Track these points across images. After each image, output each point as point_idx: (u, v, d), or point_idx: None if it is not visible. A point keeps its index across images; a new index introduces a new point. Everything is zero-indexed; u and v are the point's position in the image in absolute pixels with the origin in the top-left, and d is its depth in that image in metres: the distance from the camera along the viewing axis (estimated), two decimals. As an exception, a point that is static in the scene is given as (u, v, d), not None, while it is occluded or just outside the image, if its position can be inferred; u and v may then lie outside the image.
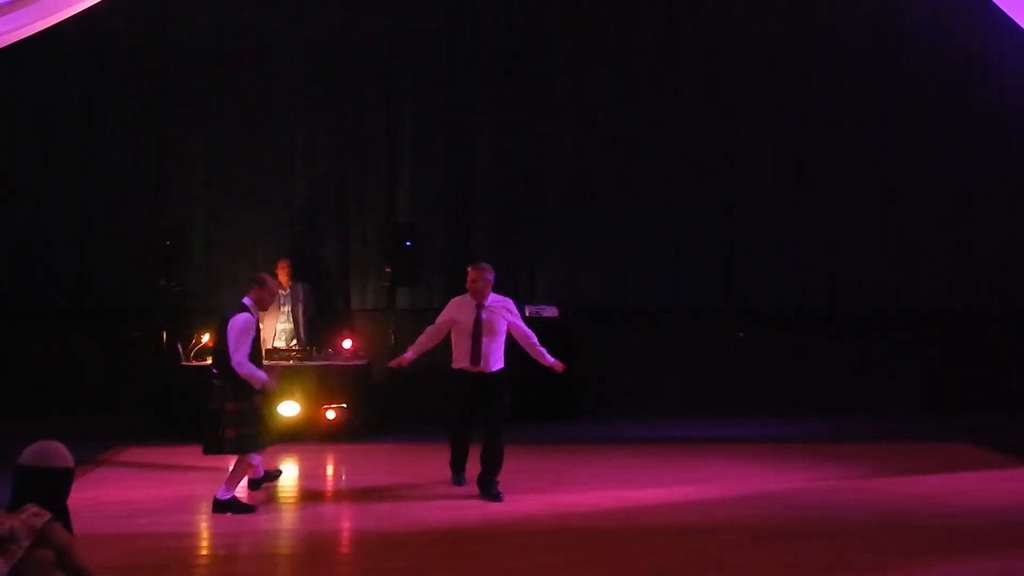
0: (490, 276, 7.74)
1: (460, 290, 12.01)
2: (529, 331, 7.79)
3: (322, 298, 11.41)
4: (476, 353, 7.56)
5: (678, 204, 12.05)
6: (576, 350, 11.47)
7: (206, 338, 10.28)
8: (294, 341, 10.79)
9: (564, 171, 12.11)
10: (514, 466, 8.29)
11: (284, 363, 9.77)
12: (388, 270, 11.29)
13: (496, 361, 7.69)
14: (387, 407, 10.90)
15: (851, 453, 9.42)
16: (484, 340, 7.61)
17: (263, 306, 7.20)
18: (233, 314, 7.03)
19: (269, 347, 10.50)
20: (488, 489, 7.55)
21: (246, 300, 7.13)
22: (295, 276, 10.99)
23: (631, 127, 12.04)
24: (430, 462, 8.93)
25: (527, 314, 11.39)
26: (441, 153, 12.05)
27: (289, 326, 10.86)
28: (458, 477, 7.92)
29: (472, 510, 7.24)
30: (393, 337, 11.08)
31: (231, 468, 7.31)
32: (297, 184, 11.96)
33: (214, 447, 7.13)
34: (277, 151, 11.89)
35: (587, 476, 8.43)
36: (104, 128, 11.66)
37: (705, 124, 11.97)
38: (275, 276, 10.85)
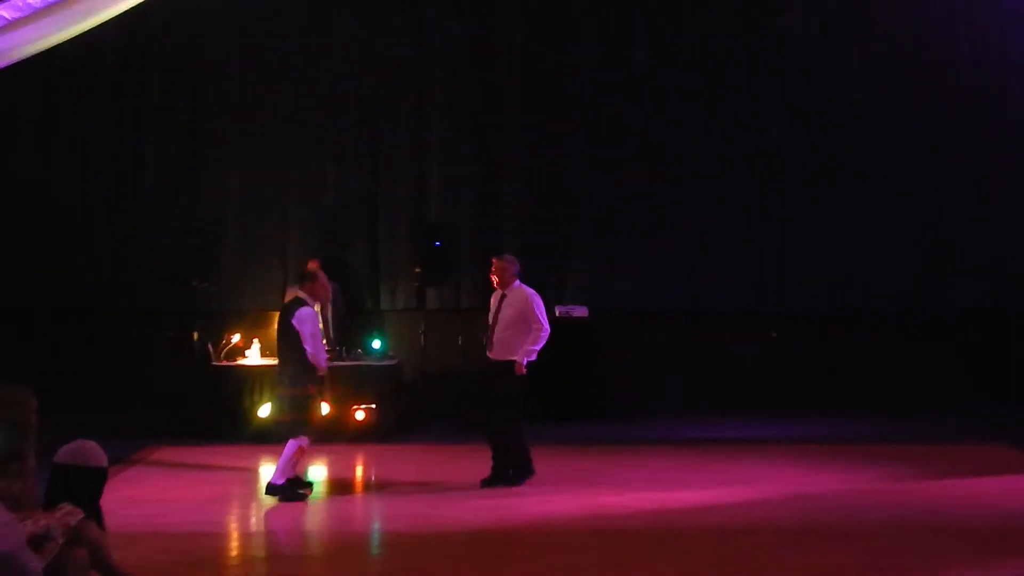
0: (509, 266, 7.89)
1: (490, 289, 12.03)
2: (537, 326, 7.74)
3: (352, 298, 11.42)
4: (489, 339, 7.80)
5: (709, 203, 11.97)
6: (607, 350, 11.43)
7: (236, 338, 10.35)
8: (324, 341, 10.75)
9: (594, 170, 12.06)
10: (547, 467, 8.29)
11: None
12: (418, 270, 11.29)
13: (506, 352, 7.74)
14: (417, 407, 10.89)
15: (888, 454, 9.31)
16: (497, 328, 7.77)
17: (316, 298, 7.65)
18: (295, 308, 7.48)
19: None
20: (489, 479, 7.73)
21: (301, 294, 7.60)
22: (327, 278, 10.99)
23: (661, 126, 11.97)
24: (461, 463, 8.89)
25: (557, 314, 11.35)
26: (470, 154, 12.03)
27: (319, 326, 10.84)
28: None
29: (506, 511, 7.19)
30: (423, 337, 11.06)
31: (283, 454, 7.43)
32: (327, 185, 11.98)
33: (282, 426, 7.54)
34: (308, 153, 11.91)
35: (621, 477, 8.38)
36: (140, 133, 11.70)
37: (737, 120, 11.89)
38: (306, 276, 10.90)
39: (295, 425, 7.46)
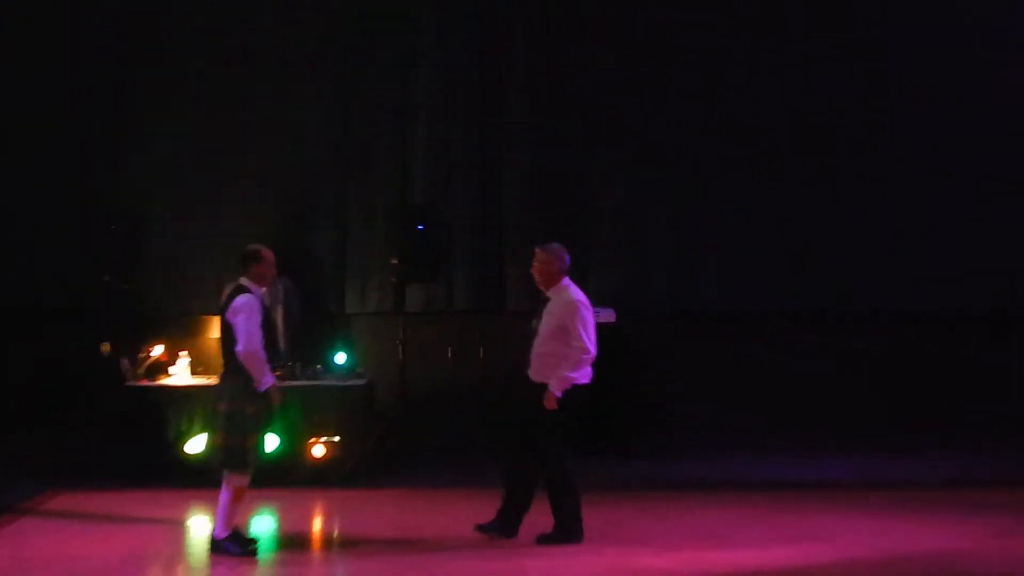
0: (553, 260, 7.92)
1: (488, 287, 11.95)
2: (577, 344, 7.73)
3: (310, 298, 11.41)
4: (528, 354, 7.85)
5: (772, 183, 12.03)
6: (639, 364, 11.40)
7: (159, 351, 10.34)
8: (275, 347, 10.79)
9: (624, 138, 12.06)
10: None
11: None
12: (395, 261, 11.27)
13: (545, 373, 7.79)
14: (393, 440, 10.83)
15: (1010, 502, 9.31)
16: (536, 341, 7.86)
17: (264, 282, 7.70)
18: (232, 297, 7.59)
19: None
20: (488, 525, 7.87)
21: (243, 281, 7.66)
22: (276, 270, 10.97)
23: (708, 95, 12.07)
24: (448, 513, 8.86)
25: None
26: (466, 115, 12.02)
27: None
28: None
29: (504, 574, 7.19)
30: (401, 349, 11.05)
31: (220, 498, 7.50)
32: (282, 154, 11.99)
33: (211, 456, 7.73)
34: (256, 116, 11.91)
35: (657, 531, 8.37)
36: (43, 90, 11.68)
37: (789, 103, 12.09)
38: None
39: (227, 455, 7.50)
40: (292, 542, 8.14)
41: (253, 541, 7.74)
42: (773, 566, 7.36)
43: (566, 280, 7.93)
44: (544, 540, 7.84)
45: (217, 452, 7.57)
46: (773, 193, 12.06)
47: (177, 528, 8.63)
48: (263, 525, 8.89)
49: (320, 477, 9.95)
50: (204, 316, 11.50)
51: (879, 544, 7.91)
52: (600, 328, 11.11)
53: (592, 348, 7.77)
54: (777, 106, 12.08)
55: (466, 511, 9.07)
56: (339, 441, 10.11)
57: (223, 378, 7.70)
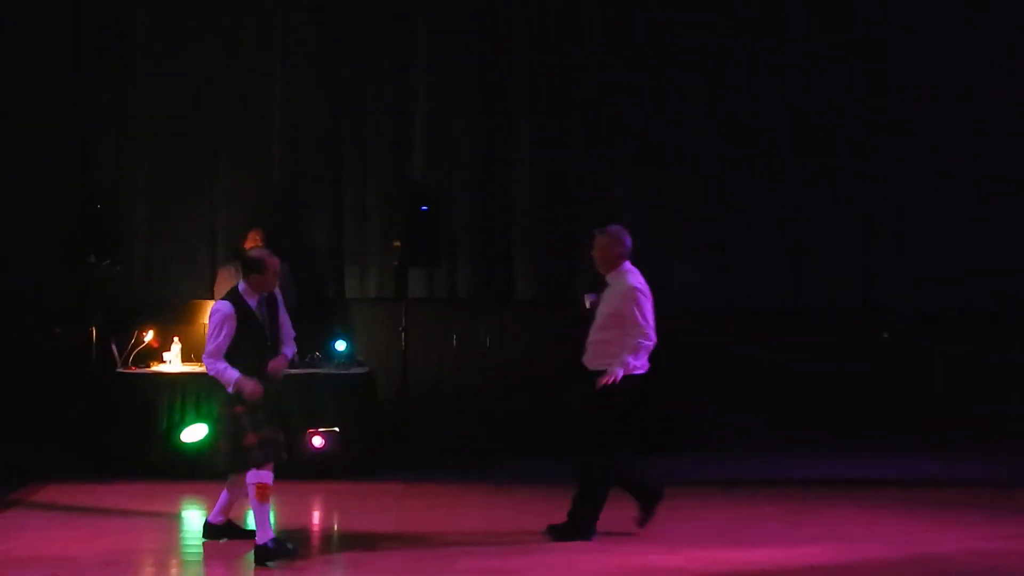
0: (612, 244, 7.87)
1: (495, 271, 11.89)
2: (635, 331, 7.67)
3: (307, 283, 11.35)
4: (585, 341, 7.89)
5: (772, 180, 11.97)
6: (658, 357, 11.29)
7: (150, 336, 10.32)
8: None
9: (645, 111, 11.99)
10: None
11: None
12: (397, 244, 11.17)
13: (597, 358, 7.78)
14: (396, 432, 10.82)
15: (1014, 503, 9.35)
16: (593, 327, 7.87)
17: (265, 290, 7.59)
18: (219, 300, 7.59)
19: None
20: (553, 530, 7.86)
21: (241, 287, 7.55)
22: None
23: (731, 78, 12.00)
24: (454, 509, 8.88)
25: (588, 305, 11.17)
26: (471, 87, 11.94)
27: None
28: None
29: (516, 574, 7.15)
30: (404, 336, 10.97)
31: (251, 505, 7.44)
32: (275, 129, 11.90)
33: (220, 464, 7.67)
34: (248, 87, 11.84)
35: (677, 530, 8.28)
36: (21, 62, 11.57)
37: (789, 101, 12.05)
38: (243, 251, 10.75)
39: (227, 459, 7.46)
40: (290, 537, 8.00)
41: (246, 533, 7.69)
42: (787, 565, 7.34)
43: (626, 264, 7.89)
44: (554, 531, 7.83)
45: (220, 456, 7.54)
46: (774, 191, 12.04)
47: (168, 522, 8.62)
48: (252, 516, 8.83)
49: (319, 469, 9.91)
50: (197, 300, 11.44)
51: (897, 543, 7.92)
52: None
53: (652, 335, 7.74)
54: (778, 103, 12.05)
55: (468, 506, 9.17)
56: (339, 433, 10.08)
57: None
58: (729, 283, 11.98)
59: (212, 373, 7.41)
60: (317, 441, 10.02)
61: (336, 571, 7.43)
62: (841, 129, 12.11)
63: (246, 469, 7.38)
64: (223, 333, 7.34)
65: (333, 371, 10.38)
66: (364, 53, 11.94)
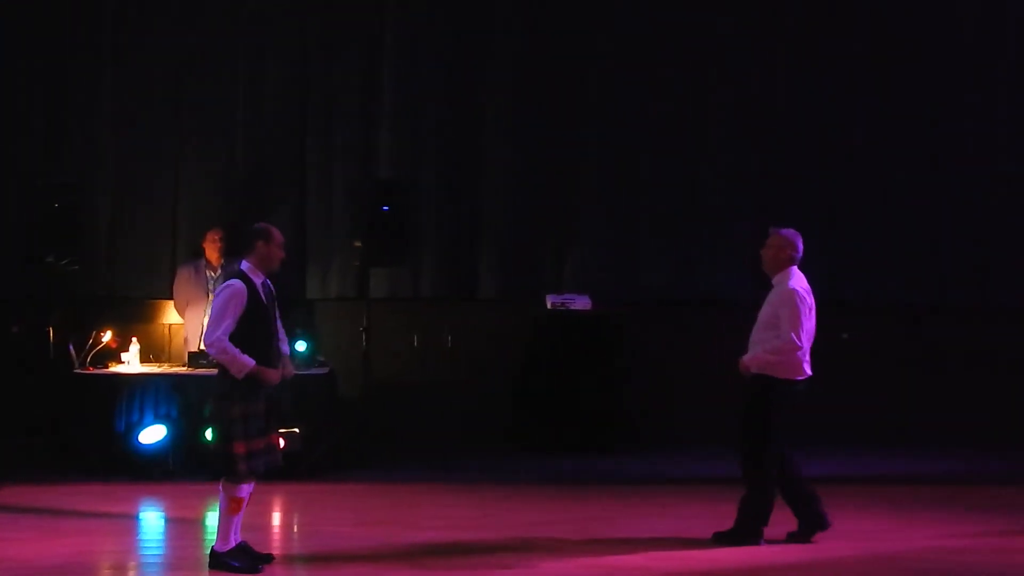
0: (783, 246, 7.83)
1: (459, 271, 11.88)
2: (783, 333, 7.64)
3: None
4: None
5: (765, 168, 12.06)
6: (621, 354, 11.41)
7: (108, 336, 10.27)
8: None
9: (610, 109, 12.03)
10: (539, 515, 8.31)
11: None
12: (359, 244, 11.20)
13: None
14: (357, 432, 10.83)
15: (1000, 500, 9.39)
16: (754, 328, 7.84)
17: (271, 265, 7.26)
18: (224, 281, 7.29)
19: (193, 350, 10.43)
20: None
21: (243, 265, 7.23)
22: (231, 252, 10.88)
23: (706, 65, 12.08)
24: (415, 509, 8.85)
25: (549, 306, 11.30)
26: (438, 84, 11.96)
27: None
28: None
29: (476, 571, 7.18)
30: (365, 336, 10.99)
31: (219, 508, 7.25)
32: (237, 127, 11.91)
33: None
34: (209, 82, 11.83)
35: (642, 528, 8.36)
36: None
37: (777, 93, 12.16)
38: (203, 251, 10.80)
39: (217, 463, 7.18)
40: (252, 538, 8.00)
41: (265, 558, 7.36)
42: (751, 562, 7.37)
43: (792, 268, 7.84)
44: (721, 538, 7.79)
45: (211, 459, 7.34)
46: (763, 182, 12.10)
47: (127, 524, 8.59)
48: (215, 521, 8.82)
49: (280, 470, 9.78)
50: (155, 300, 11.44)
51: (860, 540, 7.96)
52: (574, 317, 11.24)
53: (798, 341, 7.66)
54: (765, 95, 12.13)
55: (431, 506, 9.11)
56: (299, 433, 9.98)
57: (216, 376, 7.27)
58: (697, 277, 12.02)
59: (221, 358, 6.95)
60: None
61: (297, 572, 7.42)
62: (814, 123, 12.18)
63: (232, 478, 7.06)
64: (230, 312, 6.94)
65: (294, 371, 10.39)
66: (330, 51, 11.95)
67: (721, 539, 7.80)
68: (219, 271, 10.79)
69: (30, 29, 11.60)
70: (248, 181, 11.89)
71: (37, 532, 8.14)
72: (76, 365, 10.12)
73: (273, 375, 7.12)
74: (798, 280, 7.82)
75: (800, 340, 7.67)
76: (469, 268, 11.92)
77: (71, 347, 10.18)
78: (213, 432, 7.26)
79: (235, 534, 7.16)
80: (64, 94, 11.73)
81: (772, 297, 7.83)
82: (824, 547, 7.79)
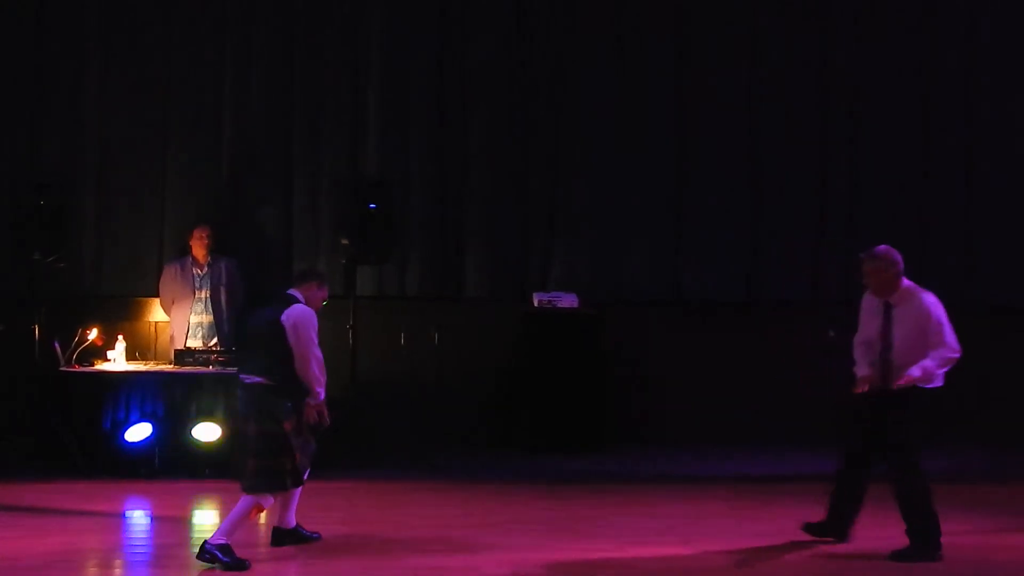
0: (886, 267, 7.65)
1: (446, 269, 11.86)
2: (942, 347, 7.51)
3: (253, 280, 11.33)
4: (881, 364, 7.66)
5: (756, 165, 12.08)
6: (605, 354, 11.44)
7: (94, 334, 10.25)
8: (215, 340, 10.73)
9: (598, 107, 12.05)
10: (522, 512, 8.32)
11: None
12: (346, 242, 11.22)
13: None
14: (344, 430, 10.78)
15: (984, 498, 9.43)
16: (895, 352, 7.62)
17: (312, 305, 7.52)
18: (287, 305, 7.37)
19: (179, 347, 10.44)
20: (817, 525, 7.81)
21: (294, 292, 7.47)
22: (217, 250, 10.92)
23: (691, 63, 12.11)
24: (403, 507, 8.85)
25: (536, 304, 11.33)
26: (425, 82, 11.97)
27: (208, 318, 10.79)
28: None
29: (462, 573, 7.17)
30: (351, 334, 11.01)
31: (235, 509, 7.32)
32: (223, 125, 11.90)
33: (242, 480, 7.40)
34: (196, 80, 11.83)
35: (624, 526, 8.38)
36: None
37: (765, 91, 12.18)
38: (189, 249, 10.81)
39: (260, 480, 7.27)
40: (238, 537, 8.01)
41: (311, 537, 7.70)
42: (733, 561, 7.37)
43: (906, 282, 7.70)
44: (897, 557, 7.59)
45: (248, 475, 7.29)
46: (750, 182, 12.13)
47: (112, 522, 8.58)
48: (206, 519, 8.83)
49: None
50: (142, 298, 11.44)
51: (852, 540, 7.90)
52: (561, 315, 11.27)
53: (958, 346, 7.57)
54: (735, 96, 12.15)
55: (417, 505, 9.10)
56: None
57: (254, 391, 7.39)
58: (683, 276, 12.05)
59: (318, 379, 7.33)
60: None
61: (283, 570, 7.41)
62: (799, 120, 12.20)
63: (271, 491, 7.26)
64: (314, 336, 7.33)
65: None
66: (317, 48, 11.95)
67: (897, 556, 7.55)
68: (205, 269, 10.81)
69: (14, 27, 11.59)
70: (235, 178, 11.89)
71: (21, 530, 8.11)
72: (62, 363, 10.12)
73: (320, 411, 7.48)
74: (923, 292, 7.65)
75: (957, 347, 7.54)
76: (456, 266, 11.95)
77: (57, 345, 10.18)
78: (258, 450, 7.28)
79: (234, 536, 7.25)
80: (49, 92, 11.70)
81: (905, 315, 7.61)
82: (804, 544, 7.80)
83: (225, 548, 7.15)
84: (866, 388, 7.69)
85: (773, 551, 7.70)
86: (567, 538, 8.00)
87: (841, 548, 7.75)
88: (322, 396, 7.40)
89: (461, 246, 11.99)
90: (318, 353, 7.36)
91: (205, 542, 7.16)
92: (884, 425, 7.64)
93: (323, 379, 7.41)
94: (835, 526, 7.86)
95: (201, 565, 7.10)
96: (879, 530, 7.82)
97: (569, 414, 11.21)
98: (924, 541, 7.55)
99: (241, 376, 7.46)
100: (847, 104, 12.25)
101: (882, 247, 7.75)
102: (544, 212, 12.07)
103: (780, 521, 8.54)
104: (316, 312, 7.53)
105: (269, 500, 7.34)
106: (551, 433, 11.20)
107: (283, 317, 7.28)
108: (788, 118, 12.16)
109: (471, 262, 11.95)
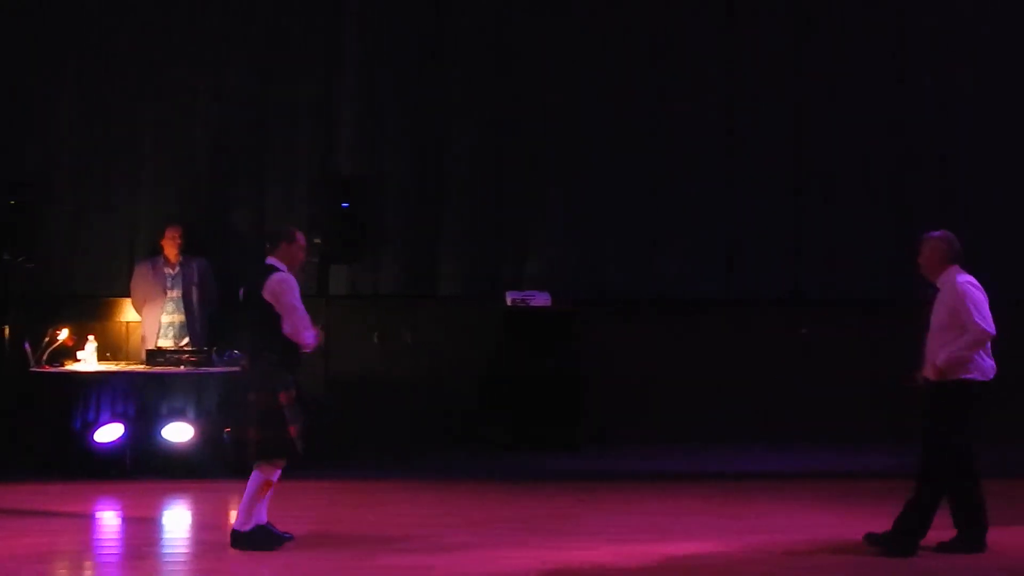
0: (937, 246, 7.66)
1: (419, 268, 11.88)
2: (972, 327, 7.40)
3: (226, 280, 11.25)
4: (926, 352, 7.61)
5: (732, 163, 12.13)
6: (581, 353, 11.46)
7: (64, 335, 10.22)
8: (186, 339, 10.72)
9: (574, 104, 12.07)
10: (497, 511, 8.34)
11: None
12: (318, 241, 11.20)
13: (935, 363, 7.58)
14: (316, 429, 10.78)
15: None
16: (930, 335, 7.59)
17: (294, 264, 7.66)
18: (264, 277, 7.48)
19: (150, 347, 10.41)
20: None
21: (272, 260, 7.60)
22: (189, 250, 10.89)
23: (671, 62, 12.15)
24: (375, 506, 8.88)
25: (509, 302, 11.35)
26: (400, 81, 11.97)
27: (179, 318, 10.77)
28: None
29: (438, 572, 7.18)
30: (325, 334, 10.94)
31: (247, 490, 7.48)
32: (196, 123, 11.88)
33: (243, 453, 7.62)
34: (170, 76, 11.80)
35: (599, 524, 8.42)
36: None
37: (749, 88, 12.23)
38: (161, 249, 10.78)
39: (262, 449, 7.46)
40: (210, 536, 8.03)
41: (284, 538, 7.69)
42: (712, 559, 7.42)
43: (952, 267, 7.66)
44: (944, 547, 7.58)
45: (249, 446, 7.48)
46: (729, 180, 12.17)
47: (86, 522, 8.58)
48: (178, 519, 8.81)
49: (240, 467, 9.75)
50: (113, 298, 11.39)
51: (818, 533, 8.02)
52: (534, 314, 11.29)
53: (990, 328, 7.46)
54: (711, 97, 12.19)
55: (391, 503, 9.13)
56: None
57: (251, 365, 7.65)
58: (657, 275, 12.06)
59: (307, 337, 7.44)
60: (236, 439, 10.04)
61: (258, 570, 7.39)
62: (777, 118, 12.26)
63: (282, 459, 7.47)
64: (297, 298, 7.43)
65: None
66: (291, 47, 11.95)
67: (945, 547, 7.55)
68: (177, 268, 10.79)
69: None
70: (207, 177, 11.86)
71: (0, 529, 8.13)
72: (32, 363, 10.09)
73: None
74: (962, 275, 7.63)
75: (989, 328, 7.45)
76: (430, 265, 11.95)
77: (27, 345, 10.14)
78: (261, 420, 7.43)
79: (256, 516, 7.49)
80: (22, 91, 11.64)
81: (942, 298, 7.61)
82: (782, 541, 7.84)
83: (253, 531, 7.42)
84: (914, 380, 7.68)
85: (749, 548, 7.73)
86: (544, 536, 8.03)
87: (818, 543, 7.78)
88: (313, 341, 7.53)
89: (435, 245, 11.98)
90: (302, 311, 7.46)
91: (233, 530, 7.42)
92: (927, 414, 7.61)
93: (314, 330, 7.53)
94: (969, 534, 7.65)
95: (178, 562, 7.26)
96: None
97: (545, 412, 11.24)
98: (902, 544, 7.53)
99: (243, 353, 7.77)
100: (822, 105, 12.28)
101: (942, 232, 7.78)
102: (518, 210, 12.08)
103: (756, 518, 8.64)
104: (302, 265, 7.76)
105: (276, 474, 7.50)
106: (527, 431, 11.22)
107: (264, 292, 7.44)
108: (765, 117, 12.19)
109: (445, 261, 11.95)
